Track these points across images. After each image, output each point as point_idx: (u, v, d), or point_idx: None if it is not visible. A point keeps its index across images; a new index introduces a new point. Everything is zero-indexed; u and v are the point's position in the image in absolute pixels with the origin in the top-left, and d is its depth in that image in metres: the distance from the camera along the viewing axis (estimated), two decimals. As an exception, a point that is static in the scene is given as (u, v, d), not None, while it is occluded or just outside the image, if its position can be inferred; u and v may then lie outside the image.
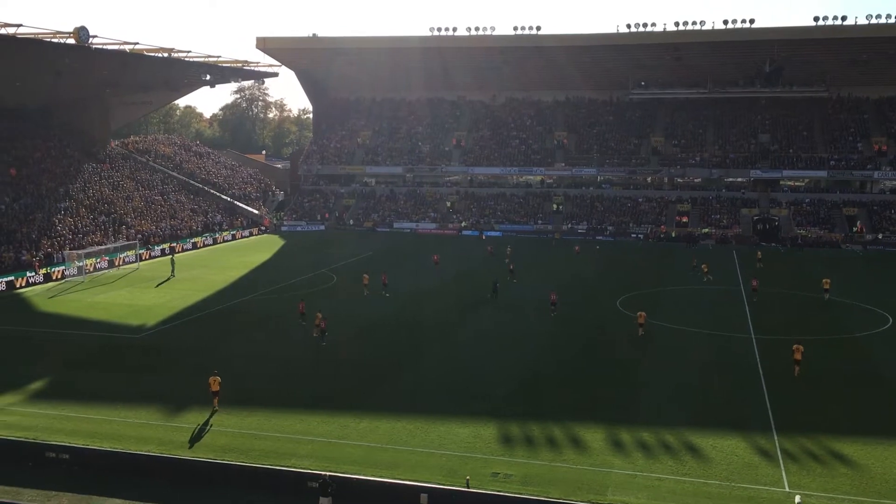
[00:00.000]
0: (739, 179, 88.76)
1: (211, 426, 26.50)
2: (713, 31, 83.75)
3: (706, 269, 56.36)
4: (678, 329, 40.73)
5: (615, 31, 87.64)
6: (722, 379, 32.49)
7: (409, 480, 21.81)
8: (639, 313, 39.93)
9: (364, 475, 22.11)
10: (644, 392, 30.67)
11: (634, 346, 37.44)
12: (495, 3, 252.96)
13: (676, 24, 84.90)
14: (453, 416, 27.47)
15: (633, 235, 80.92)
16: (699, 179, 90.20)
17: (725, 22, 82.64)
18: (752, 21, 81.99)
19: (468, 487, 21.28)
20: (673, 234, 79.99)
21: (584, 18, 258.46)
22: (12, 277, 51.68)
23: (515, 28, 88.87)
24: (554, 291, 45.93)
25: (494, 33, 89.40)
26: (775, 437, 25.69)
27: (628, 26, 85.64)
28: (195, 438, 25.39)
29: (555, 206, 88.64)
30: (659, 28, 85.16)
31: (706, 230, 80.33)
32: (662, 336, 39.37)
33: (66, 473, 22.92)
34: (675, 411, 28.26)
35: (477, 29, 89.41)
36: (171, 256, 61.10)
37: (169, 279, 55.54)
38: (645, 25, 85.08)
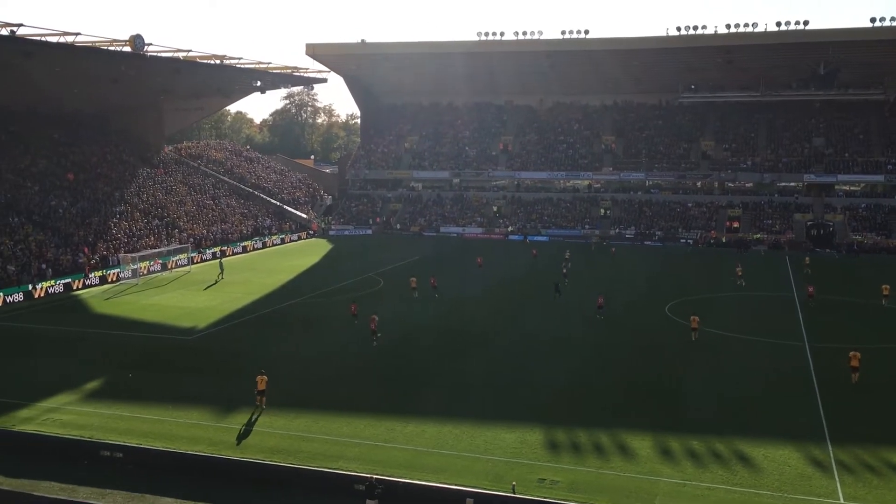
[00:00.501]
0: (792, 184, 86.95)
1: (259, 427, 26.83)
2: (766, 34, 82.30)
3: (740, 273, 55.54)
4: (729, 336, 40.03)
5: (665, 34, 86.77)
6: (774, 387, 31.83)
7: (455, 485, 21.81)
8: (692, 317, 39.50)
9: (410, 478, 22.18)
10: (693, 399, 30.21)
11: (684, 353, 36.90)
12: (543, 8, 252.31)
13: (728, 26, 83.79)
14: (499, 421, 27.40)
15: (683, 241, 79.84)
16: (751, 184, 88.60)
17: (778, 24, 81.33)
18: (806, 23, 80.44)
19: (514, 493, 21.19)
20: (723, 240, 78.72)
21: (632, 22, 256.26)
22: (70, 279, 53.08)
23: (563, 32, 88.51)
24: (602, 295, 45.86)
25: (542, 37, 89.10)
26: (830, 448, 25.08)
27: (678, 29, 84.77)
28: (244, 439, 25.75)
29: (602, 210, 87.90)
30: (710, 30, 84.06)
31: (758, 236, 78.85)
32: (713, 343, 38.73)
33: (120, 472, 23.39)
34: (725, 419, 27.76)
35: (524, 33, 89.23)
36: (219, 260, 62.12)
37: (217, 282, 56.49)
38: (695, 28, 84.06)
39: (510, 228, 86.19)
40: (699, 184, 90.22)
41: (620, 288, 53.81)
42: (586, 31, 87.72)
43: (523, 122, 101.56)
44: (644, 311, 46.84)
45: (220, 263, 60.64)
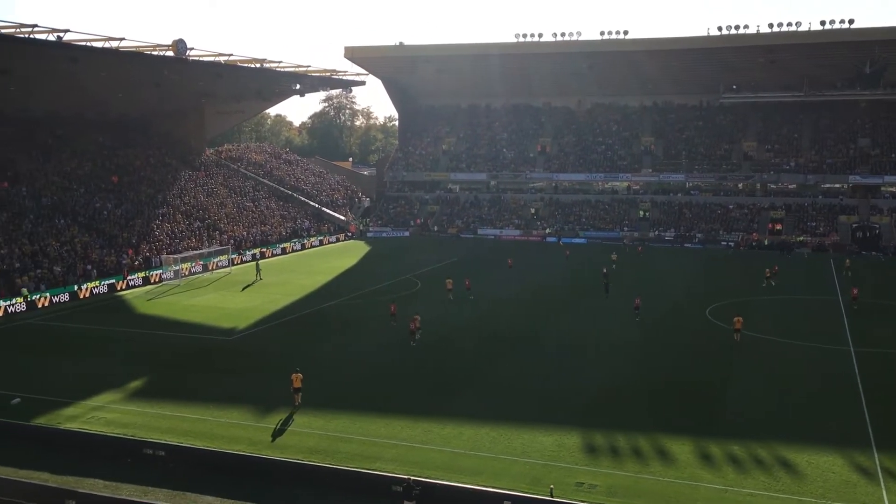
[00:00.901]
0: (837, 185, 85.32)
1: (298, 427, 27.04)
2: (810, 33, 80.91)
3: (768, 275, 55.15)
4: (772, 340, 39.41)
5: (705, 33, 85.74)
6: (818, 392, 31.27)
7: (493, 487, 21.77)
8: (735, 318, 39.09)
9: (447, 480, 22.19)
10: (734, 404, 29.79)
11: (724, 356, 36.41)
12: (582, 9, 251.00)
13: (770, 25, 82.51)
14: (537, 424, 27.29)
15: (724, 243, 78.79)
16: (794, 185, 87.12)
17: (823, 23, 79.87)
18: (851, 21, 78.93)
19: (552, 496, 21.08)
20: (766, 242, 77.52)
21: (672, 22, 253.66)
22: (114, 280, 54.09)
23: (602, 33, 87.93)
24: (638, 296, 45.77)
25: (580, 38, 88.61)
26: (875, 455, 24.53)
27: (719, 29, 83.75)
28: (283, 439, 25.98)
29: (641, 212, 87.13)
30: (752, 30, 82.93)
31: (801, 238, 77.50)
32: (755, 346, 38.16)
33: (162, 470, 23.75)
34: (767, 425, 27.31)
35: (563, 34, 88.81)
36: (256, 262, 62.79)
37: (254, 283, 57.12)
38: (737, 28, 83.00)
39: (548, 230, 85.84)
40: (741, 185, 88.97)
41: (660, 290, 53.30)
42: (625, 32, 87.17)
43: (561, 124, 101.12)
44: (684, 313, 46.34)
45: (257, 265, 61.34)
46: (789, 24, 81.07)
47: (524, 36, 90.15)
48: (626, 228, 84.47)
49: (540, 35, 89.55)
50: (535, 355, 37.01)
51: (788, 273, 61.13)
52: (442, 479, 22.20)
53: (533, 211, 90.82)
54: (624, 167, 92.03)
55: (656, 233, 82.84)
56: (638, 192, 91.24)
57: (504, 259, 67.25)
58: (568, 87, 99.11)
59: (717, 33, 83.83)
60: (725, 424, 27.42)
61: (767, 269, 56.20)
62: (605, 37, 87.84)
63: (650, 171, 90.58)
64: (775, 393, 31.04)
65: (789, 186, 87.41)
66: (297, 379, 29.27)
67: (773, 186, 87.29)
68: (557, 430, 26.67)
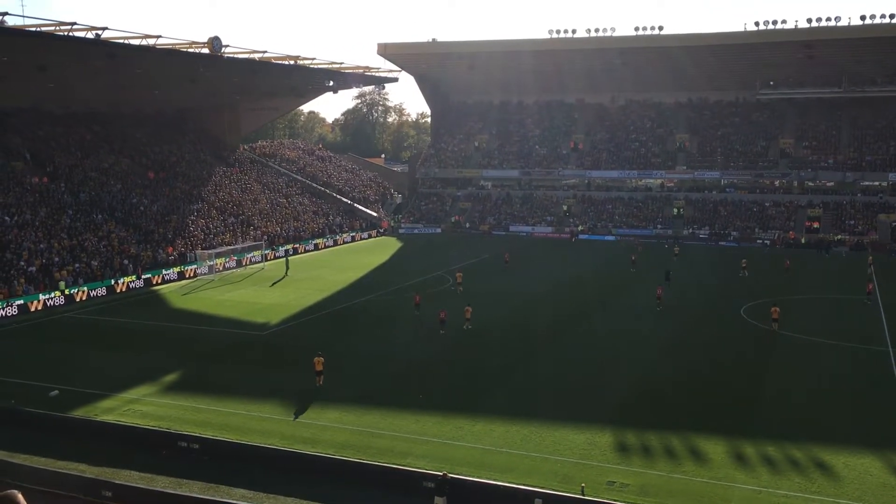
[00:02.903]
0: (877, 183, 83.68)
1: (330, 422, 27.21)
2: (850, 28, 79.38)
3: (744, 265, 57.96)
4: (808, 339, 38.81)
5: (742, 28, 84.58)
6: (855, 393, 30.75)
7: (524, 485, 21.71)
8: (772, 308, 39.48)
9: (478, 477, 22.17)
10: (769, 404, 29.41)
11: (759, 356, 35.96)
12: (616, 4, 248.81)
13: (809, 20, 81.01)
14: (568, 421, 27.17)
15: (760, 241, 77.74)
16: (832, 183, 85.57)
17: (863, 17, 78.32)
18: (892, 16, 77.26)
19: (583, 495, 20.98)
20: (803, 241, 76.35)
21: (708, 17, 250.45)
22: (150, 275, 54.83)
23: (636, 29, 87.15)
24: (661, 286, 47.22)
25: (615, 34, 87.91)
26: (915, 458, 24.08)
27: (756, 24, 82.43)
28: (316, 434, 26.14)
29: (675, 210, 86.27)
30: (790, 25, 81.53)
31: (839, 237, 76.20)
32: (791, 346, 37.64)
33: (197, 462, 24.04)
34: (802, 425, 26.90)
35: (596, 30, 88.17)
36: (286, 257, 63.27)
37: (283, 278, 57.55)
38: (774, 23, 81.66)
39: (580, 227, 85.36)
40: (777, 183, 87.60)
41: (694, 288, 52.78)
42: (660, 28, 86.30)
43: (594, 121, 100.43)
44: (718, 312, 45.82)
45: (287, 261, 61.81)
46: (828, 19, 79.66)
47: (557, 32, 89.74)
48: (659, 226, 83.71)
49: (573, 31, 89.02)
50: (566, 352, 36.86)
51: (826, 272, 60.24)
52: (472, 476, 22.19)
53: (565, 208, 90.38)
54: (658, 164, 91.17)
55: (690, 230, 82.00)
56: (672, 189, 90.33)
57: (537, 256, 67.01)
58: (601, 84, 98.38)
59: (754, 28, 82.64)
60: (760, 424, 27.07)
61: (744, 260, 59.02)
62: (640, 32, 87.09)
63: (685, 168, 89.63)
64: (811, 393, 30.59)
65: (827, 184, 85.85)
66: (318, 362, 30.69)
67: (810, 184, 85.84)
68: (589, 428, 26.53)
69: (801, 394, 30.54)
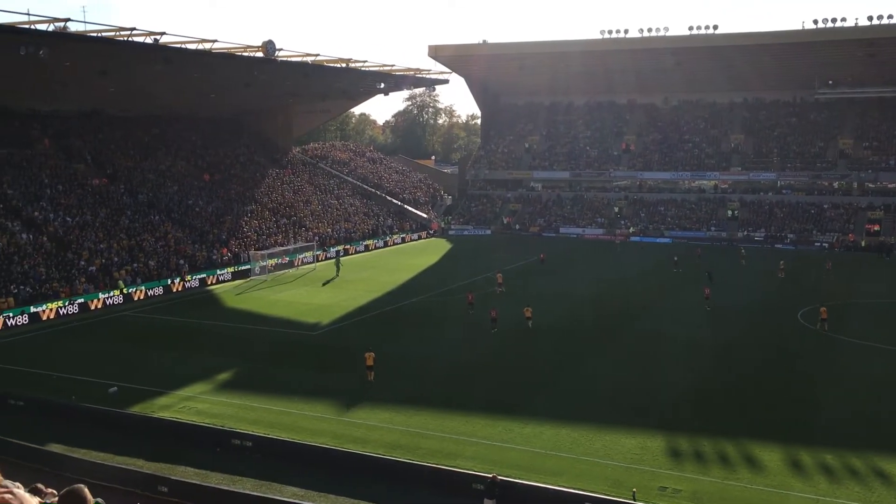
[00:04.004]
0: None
1: (380, 422, 27.38)
2: (913, 25, 77.11)
3: (783, 267, 57.66)
4: (868, 345, 37.78)
5: (800, 27, 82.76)
6: (917, 401, 29.83)
7: (573, 488, 21.57)
8: (821, 308, 39.91)
9: (527, 480, 22.10)
10: (826, 411, 28.71)
11: (816, 361, 35.14)
12: (670, 3, 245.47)
13: (870, 18, 78.97)
14: (619, 425, 26.91)
15: (817, 244, 75.92)
16: (893, 185, 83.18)
17: (927, 13, 75.94)
18: (958, 11, 74.83)
19: (635, 500, 20.76)
20: (863, 244, 74.36)
21: (765, 15, 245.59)
22: (205, 275, 55.91)
23: (690, 28, 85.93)
24: (707, 286, 47.42)
25: (668, 34, 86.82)
26: (981, 469, 23.27)
27: (815, 22, 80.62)
28: (366, 434, 26.34)
29: (729, 212, 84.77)
30: (850, 23, 79.54)
31: (901, 239, 74.04)
32: (849, 352, 36.70)
33: (249, 460, 24.41)
34: (861, 433, 26.20)
35: (649, 30, 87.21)
36: (336, 258, 63.82)
37: (333, 279, 58.13)
38: (833, 21, 79.74)
39: (632, 229, 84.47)
40: (836, 184, 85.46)
41: (750, 291, 51.83)
42: (715, 27, 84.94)
43: (646, 121, 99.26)
44: (775, 315, 44.90)
45: (337, 262, 62.39)
46: (890, 17, 77.53)
47: (609, 32, 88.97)
48: (713, 228, 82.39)
49: (626, 31, 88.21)
50: (617, 355, 36.51)
51: (886, 276, 58.60)
52: (521, 479, 22.12)
53: (616, 210, 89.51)
54: (711, 165, 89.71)
55: (745, 233, 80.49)
56: (726, 191, 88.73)
57: (587, 258, 66.53)
58: (653, 84, 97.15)
59: (813, 27, 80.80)
60: (817, 431, 26.47)
61: (782, 262, 59.02)
62: (694, 32, 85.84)
63: (739, 169, 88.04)
64: (870, 400, 29.77)
65: (888, 185, 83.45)
66: (369, 357, 31.84)
67: (870, 185, 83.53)
68: (640, 432, 26.23)
69: (860, 400, 29.75)
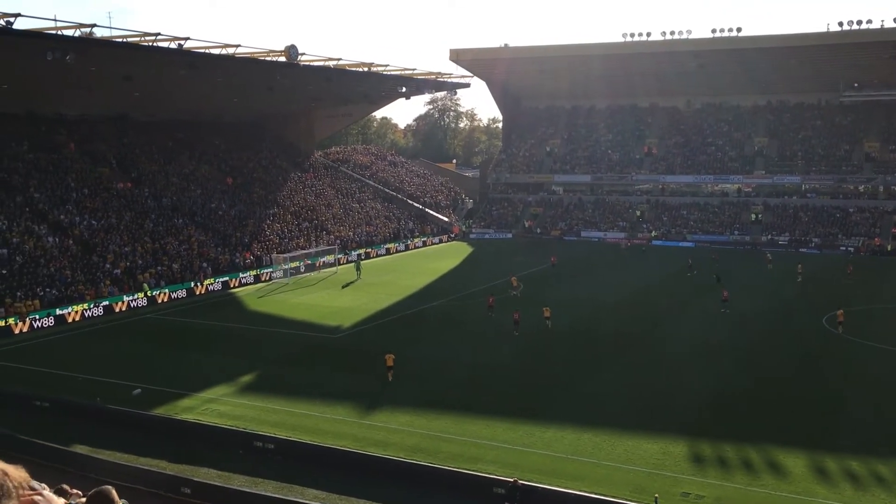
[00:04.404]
0: (969, 188, 79.87)
1: (401, 426, 27.42)
2: (940, 26, 76.06)
3: (800, 270, 57.86)
4: (892, 350, 37.29)
5: (825, 30, 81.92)
6: (946, 408, 29.39)
7: (595, 493, 21.45)
8: (838, 311, 40.24)
9: (549, 484, 22.02)
10: (852, 417, 28.36)
11: (841, 367, 34.72)
12: (693, 6, 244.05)
13: (896, 19, 77.91)
14: (640, 430, 26.74)
15: (843, 248, 75.05)
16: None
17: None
18: None
19: (656, 506, 20.63)
20: (889, 248, 73.43)
21: (789, 18, 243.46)
22: (227, 278, 56.30)
23: (713, 31, 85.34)
24: (725, 289, 47.04)
25: (691, 37, 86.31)
26: None
27: (840, 24, 79.76)
28: (387, 437, 26.38)
29: (753, 215, 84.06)
30: (875, 25, 78.61)
31: (928, 244, 73.03)
32: (875, 357, 36.22)
33: (271, 462, 24.54)
34: (887, 440, 25.83)
35: (671, 33, 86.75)
36: (357, 262, 63.97)
37: (354, 282, 58.34)
38: (859, 23, 78.84)
39: (654, 233, 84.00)
40: (861, 188, 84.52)
41: (773, 295, 51.35)
42: (738, 29, 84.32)
43: (668, 125, 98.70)
44: (799, 320, 44.43)
45: (358, 265, 62.61)
46: (917, 18, 76.46)
47: (631, 35, 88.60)
48: (736, 232, 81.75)
49: (648, 34, 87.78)
50: (638, 359, 36.27)
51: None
52: (543, 483, 22.04)
53: (638, 213, 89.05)
54: (735, 169, 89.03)
55: (769, 237, 79.76)
56: (750, 194, 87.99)
57: (609, 262, 66.24)
58: (675, 87, 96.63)
59: (839, 29, 79.96)
60: (842, 437, 26.15)
61: (800, 265, 59.20)
62: (717, 34, 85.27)
63: (763, 172, 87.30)
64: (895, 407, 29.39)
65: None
66: (389, 358, 32.51)
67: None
68: (662, 437, 26.06)
69: (886, 407, 29.33)
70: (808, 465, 23.82)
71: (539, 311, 42.41)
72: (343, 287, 56.57)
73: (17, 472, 2.10)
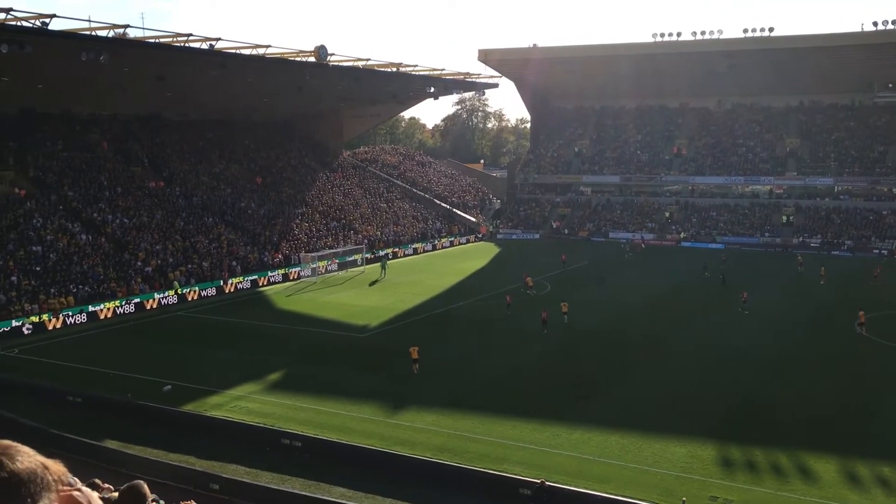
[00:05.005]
0: None
1: (427, 425, 27.47)
2: (978, 25, 74.58)
3: (823, 273, 57.37)
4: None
5: (859, 29, 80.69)
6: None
7: (622, 496, 21.32)
8: (859, 312, 40.15)
9: (575, 486, 21.93)
10: (884, 422, 27.89)
11: (873, 371, 34.15)
12: (724, 7, 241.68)
13: (933, 18, 76.53)
14: (668, 433, 26.53)
15: (876, 251, 73.88)
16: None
17: None
18: None
19: (684, 509, 20.47)
20: (923, 251, 72.16)
21: (822, 17, 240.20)
22: (256, 276, 56.76)
23: (745, 31, 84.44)
24: (745, 291, 47.07)
25: (721, 37, 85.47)
26: None
27: (874, 24, 78.54)
28: (413, 436, 26.43)
29: (784, 217, 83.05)
30: (912, 23, 77.23)
31: (965, 247, 71.65)
32: (909, 363, 35.60)
33: (298, 460, 24.69)
34: (922, 447, 25.42)
35: (702, 33, 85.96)
36: (382, 261, 64.15)
37: (379, 280, 58.63)
38: (894, 23, 77.52)
39: (682, 235, 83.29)
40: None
41: (806, 298, 50.69)
42: (770, 29, 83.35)
43: (698, 125, 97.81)
44: (831, 324, 43.81)
45: (383, 263, 62.84)
46: (955, 17, 75.04)
47: (661, 35, 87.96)
48: (767, 234, 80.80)
49: (678, 34, 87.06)
50: (668, 362, 36.00)
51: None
52: (569, 485, 21.95)
53: (667, 214, 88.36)
54: (766, 170, 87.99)
55: (800, 239, 78.73)
56: (781, 196, 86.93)
57: (638, 263, 65.81)
58: (705, 88, 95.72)
59: (873, 28, 78.72)
60: (873, 442, 25.72)
61: (822, 268, 58.72)
62: (749, 34, 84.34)
63: (795, 174, 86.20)
64: (932, 413, 28.85)
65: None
66: (414, 351, 33.67)
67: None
68: (691, 440, 25.84)
69: (921, 413, 28.85)
70: (839, 470, 23.49)
71: (571, 313, 42.53)
72: (370, 285, 56.84)
73: (56, 467, 2.15)
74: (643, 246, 78.96)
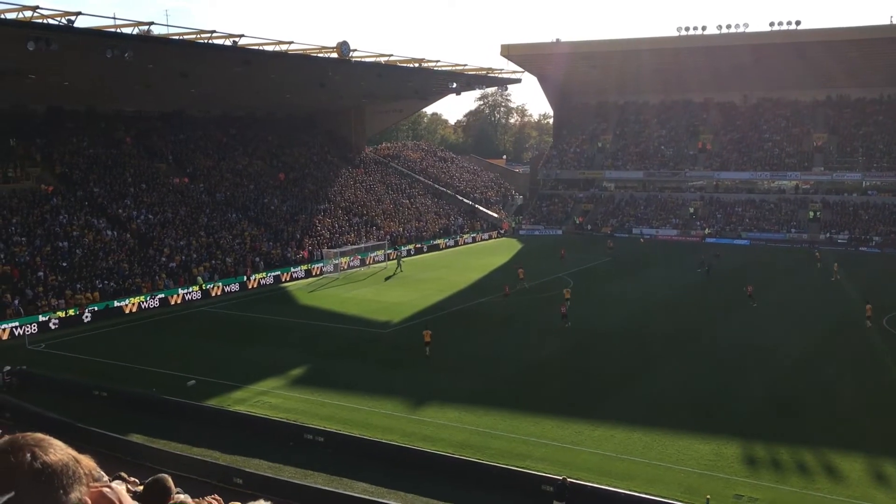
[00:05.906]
0: None
1: (449, 421, 27.45)
2: None
3: (836, 269, 56.90)
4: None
5: (889, 22, 79.45)
6: None
7: (645, 493, 21.19)
8: (867, 306, 40.41)
9: (598, 483, 21.82)
10: (914, 422, 27.50)
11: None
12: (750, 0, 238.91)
13: (964, 10, 75.19)
14: (692, 431, 26.31)
15: (904, 247, 72.84)
16: None
17: None
18: None
19: (708, 507, 20.29)
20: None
21: (850, 10, 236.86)
22: (279, 272, 57.03)
23: (771, 24, 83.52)
24: (750, 285, 47.60)
25: (747, 31, 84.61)
26: None
27: (904, 16, 77.26)
28: (435, 432, 26.42)
29: (811, 213, 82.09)
30: (942, 16, 75.93)
31: None
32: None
33: (321, 455, 24.78)
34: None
35: (728, 27, 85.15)
36: (398, 256, 64.21)
37: (394, 274, 59.09)
38: (924, 14, 76.30)
39: (707, 231, 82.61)
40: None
41: (833, 296, 50.08)
42: (797, 22, 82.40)
43: (723, 120, 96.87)
44: (857, 321, 43.20)
45: (399, 258, 63.01)
46: None
47: (686, 30, 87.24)
48: (793, 230, 79.91)
49: (703, 28, 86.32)
50: (691, 359, 35.72)
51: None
52: (592, 482, 21.84)
53: (692, 210, 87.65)
54: (792, 165, 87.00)
55: (827, 235, 77.80)
56: (808, 191, 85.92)
57: (663, 259, 65.44)
58: (730, 82, 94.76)
59: (902, 21, 77.51)
60: (903, 443, 25.36)
61: (836, 264, 58.19)
62: (775, 28, 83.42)
63: (822, 169, 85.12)
64: (963, 412, 28.39)
65: (983, 186, 79.56)
66: (427, 335, 35.52)
67: (963, 186, 79.73)
68: (715, 438, 25.61)
69: (951, 412, 28.39)
70: (866, 468, 23.19)
71: (583, 305, 42.52)
72: (385, 279, 57.01)
73: (86, 461, 2.19)
74: (642, 242, 78.80)
